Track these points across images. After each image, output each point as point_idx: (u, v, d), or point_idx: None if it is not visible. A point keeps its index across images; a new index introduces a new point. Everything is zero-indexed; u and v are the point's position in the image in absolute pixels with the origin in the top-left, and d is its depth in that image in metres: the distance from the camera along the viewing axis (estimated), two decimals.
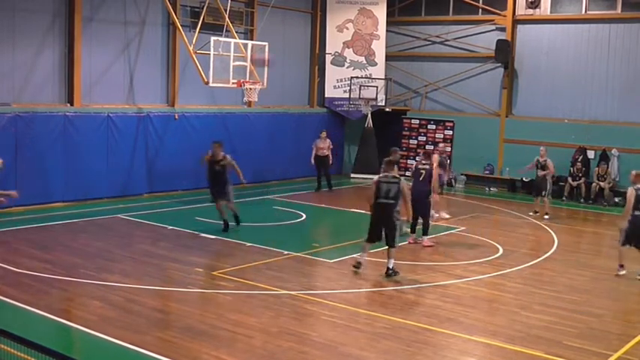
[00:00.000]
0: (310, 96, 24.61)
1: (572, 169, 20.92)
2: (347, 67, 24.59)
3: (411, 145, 24.55)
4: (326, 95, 24.65)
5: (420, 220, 14.14)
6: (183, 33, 18.27)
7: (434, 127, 24.32)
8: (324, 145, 20.86)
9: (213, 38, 17.46)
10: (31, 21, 16.54)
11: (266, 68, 18.59)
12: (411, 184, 13.84)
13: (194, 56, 17.73)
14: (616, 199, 20.07)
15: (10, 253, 12.20)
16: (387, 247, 11.67)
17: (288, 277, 11.53)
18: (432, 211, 15.96)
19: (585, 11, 21.50)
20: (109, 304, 9.74)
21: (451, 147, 23.81)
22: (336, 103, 24.60)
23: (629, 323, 9.95)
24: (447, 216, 17.04)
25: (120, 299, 9.95)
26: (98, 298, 9.95)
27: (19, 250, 12.55)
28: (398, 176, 11.86)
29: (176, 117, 19.45)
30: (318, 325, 9.35)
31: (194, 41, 17.90)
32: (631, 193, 12.28)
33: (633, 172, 12.61)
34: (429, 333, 9.10)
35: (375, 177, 11.79)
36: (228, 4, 19.11)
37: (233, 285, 10.93)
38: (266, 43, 18.99)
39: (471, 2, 23.45)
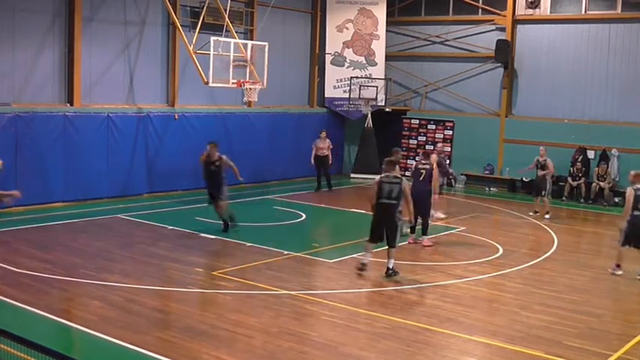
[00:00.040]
0: (310, 96, 24.61)
1: (572, 169, 20.92)
2: (347, 67, 24.59)
3: (411, 145, 24.55)
4: (326, 95, 24.65)
5: (420, 220, 14.14)
6: (183, 33, 18.27)
7: (434, 127, 24.32)
8: (323, 145, 20.86)
9: (213, 38, 17.47)
10: (31, 21, 16.54)
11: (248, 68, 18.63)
12: (410, 184, 13.82)
13: (194, 56, 17.73)
14: (616, 199, 20.07)
15: (10, 253, 12.20)
16: (387, 247, 11.66)
17: (288, 277, 11.53)
18: (432, 211, 15.98)
19: (585, 11, 21.50)
20: (109, 304, 9.74)
21: (451, 147, 23.82)
22: (336, 103, 24.60)
23: (629, 323, 9.95)
24: (443, 216, 17.02)
25: (120, 299, 9.95)
26: (98, 298, 9.95)
27: (19, 250, 12.55)
28: (400, 176, 11.86)
29: (176, 117, 19.45)
30: (318, 325, 9.35)
31: (194, 41, 17.90)
32: (630, 193, 12.28)
33: (632, 172, 12.61)
34: (429, 333, 9.10)
35: (377, 177, 11.77)
36: (228, 4, 19.11)
37: (233, 285, 10.93)
38: (266, 43, 19.00)
39: (471, 2, 23.45)
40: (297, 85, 24.04)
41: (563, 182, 20.94)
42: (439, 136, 24.08)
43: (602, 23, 21.17)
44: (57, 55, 17.11)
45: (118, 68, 18.39)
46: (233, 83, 17.85)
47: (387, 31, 24.75)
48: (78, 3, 17.07)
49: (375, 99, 23.89)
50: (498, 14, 22.89)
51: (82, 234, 14.14)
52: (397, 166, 12.41)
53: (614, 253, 12.75)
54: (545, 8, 22.16)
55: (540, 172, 17.95)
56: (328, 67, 24.53)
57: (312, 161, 20.93)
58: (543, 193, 17.92)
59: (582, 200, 20.62)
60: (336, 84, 24.59)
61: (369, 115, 24.02)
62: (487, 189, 22.69)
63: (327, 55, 24.47)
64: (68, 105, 17.27)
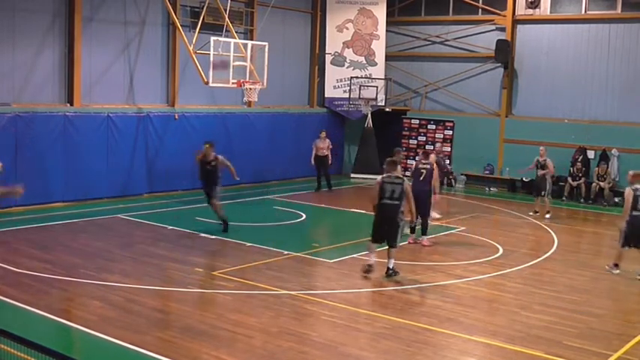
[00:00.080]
0: (310, 96, 24.61)
1: (572, 169, 20.92)
2: (347, 67, 24.59)
3: (411, 145, 24.54)
4: (326, 95, 24.65)
5: (419, 220, 14.12)
6: (183, 33, 18.28)
7: (434, 127, 24.32)
8: (323, 145, 20.86)
9: (213, 38, 17.47)
10: (31, 21, 16.54)
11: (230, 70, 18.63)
12: (410, 183, 13.82)
13: (194, 56, 17.74)
14: (616, 199, 20.07)
15: (10, 253, 12.20)
16: (387, 247, 11.66)
17: (288, 277, 11.53)
18: (432, 211, 15.99)
19: (585, 11, 21.50)
20: (109, 304, 9.74)
21: (451, 147, 23.82)
22: (336, 103, 24.60)
23: (629, 323, 9.95)
24: (438, 215, 16.98)
25: (120, 299, 9.95)
26: (98, 298, 9.95)
27: (19, 250, 12.55)
28: (401, 177, 11.85)
29: (176, 117, 19.45)
30: (318, 325, 9.35)
31: (194, 41, 17.91)
32: (629, 193, 12.29)
33: (630, 173, 12.62)
34: (429, 333, 9.10)
35: (379, 177, 11.75)
36: (228, 4, 19.11)
37: (233, 285, 10.93)
38: (266, 43, 19.00)
39: (471, 2, 23.45)
40: (297, 85, 24.04)
41: (563, 182, 20.94)
42: (439, 136, 24.09)
43: (602, 23, 21.17)
44: (57, 55, 17.12)
45: (118, 68, 18.39)
46: (233, 83, 17.85)
47: (387, 31, 24.75)
48: (78, 3, 17.07)
49: (375, 99, 23.89)
50: (498, 14, 22.89)
51: (82, 234, 14.14)
52: (399, 166, 12.39)
53: (614, 253, 12.75)
54: (545, 8, 22.16)
55: (540, 172, 17.95)
56: (328, 67, 24.53)
57: (313, 162, 20.93)
58: (543, 193, 17.93)
59: (582, 200, 20.62)
60: (336, 84, 24.59)
61: (369, 115, 24.02)
62: (487, 189, 22.69)
63: (327, 55, 24.47)
64: (68, 105, 17.27)
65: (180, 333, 8.78)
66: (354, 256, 12.97)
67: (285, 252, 13.05)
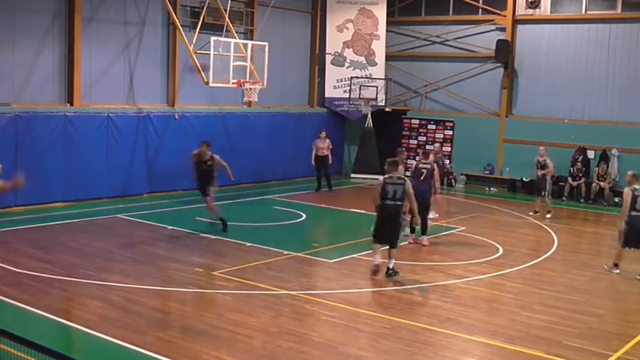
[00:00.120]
0: (310, 96, 24.61)
1: (572, 169, 20.92)
2: (347, 67, 24.59)
3: (411, 145, 24.53)
4: (326, 95, 24.65)
5: (419, 220, 14.12)
6: (183, 33, 18.28)
7: (434, 127, 24.32)
8: (323, 145, 20.85)
9: (213, 38, 17.48)
10: (31, 21, 16.54)
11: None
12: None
13: (194, 56, 17.74)
14: (616, 199, 20.05)
15: (10, 253, 12.20)
16: (388, 247, 11.65)
17: (288, 277, 11.53)
18: (433, 212, 16.00)
19: (585, 11, 21.50)
20: (109, 304, 9.74)
21: (451, 147, 23.82)
22: (336, 103, 24.60)
23: (629, 323, 9.95)
24: (434, 215, 16.93)
25: (120, 299, 9.95)
26: (98, 298, 9.95)
27: (19, 250, 12.55)
28: (403, 177, 11.87)
29: (176, 117, 19.45)
30: (318, 325, 9.35)
31: (194, 41, 17.91)
32: (627, 193, 12.31)
33: (629, 173, 12.64)
34: (429, 333, 9.10)
35: (380, 178, 11.74)
36: (228, 4, 19.11)
37: (233, 285, 10.92)
38: (266, 43, 19.01)
39: (471, 2, 23.45)
40: (297, 85, 24.04)
41: (564, 182, 20.95)
42: (439, 136, 24.09)
43: (602, 23, 21.17)
44: (57, 55, 17.12)
45: (118, 68, 18.39)
46: (233, 83, 17.85)
47: (387, 31, 24.75)
48: (78, 3, 17.07)
49: (375, 99, 23.89)
50: (498, 14, 22.89)
51: (82, 234, 14.14)
52: (400, 167, 12.41)
53: (614, 253, 12.76)
54: (545, 8, 22.16)
55: (540, 172, 17.96)
56: (328, 67, 24.53)
57: (313, 162, 20.92)
58: (543, 193, 17.93)
59: (582, 200, 20.62)
60: (336, 84, 24.59)
61: (369, 115, 24.02)
62: (487, 189, 22.69)
63: (327, 55, 24.47)
64: (68, 105, 17.27)
65: (180, 333, 8.78)
66: (354, 256, 12.97)
67: (285, 252, 13.05)
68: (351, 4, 24.45)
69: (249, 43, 18.98)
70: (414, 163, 14.93)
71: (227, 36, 18.19)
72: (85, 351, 8.40)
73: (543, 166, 17.83)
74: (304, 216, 17.10)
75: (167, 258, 12.42)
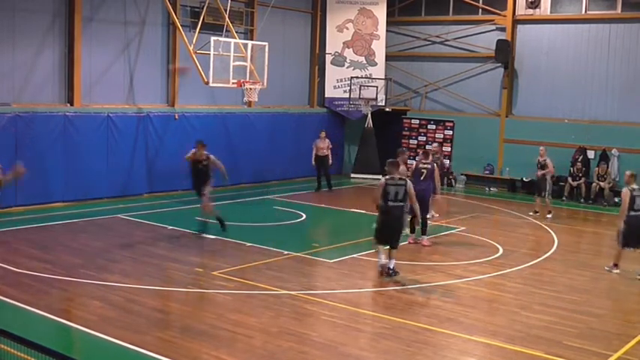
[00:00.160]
0: (310, 96, 24.61)
1: (572, 169, 20.92)
2: (347, 67, 24.59)
3: (411, 145, 24.52)
4: (326, 95, 24.65)
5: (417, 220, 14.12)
6: (183, 33, 18.29)
7: (434, 127, 24.32)
8: (323, 145, 20.85)
9: (213, 38, 17.48)
10: (31, 21, 16.54)
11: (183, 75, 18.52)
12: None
13: (194, 56, 17.74)
14: (616, 199, 20.02)
15: (10, 253, 12.20)
16: (388, 247, 11.64)
17: (288, 277, 11.53)
18: (432, 212, 16.00)
19: (585, 11, 21.51)
20: (109, 304, 9.74)
21: (451, 147, 23.82)
22: (336, 103, 24.60)
23: (629, 323, 9.95)
24: (435, 215, 16.92)
25: (120, 299, 9.95)
26: (98, 298, 9.95)
27: (19, 250, 12.55)
28: (404, 178, 11.88)
29: (176, 117, 19.45)
30: (318, 325, 9.35)
31: (194, 41, 17.91)
32: (626, 193, 12.33)
33: (627, 173, 12.67)
34: (429, 333, 9.10)
35: (382, 179, 11.71)
36: (228, 4, 19.12)
37: (233, 285, 10.92)
38: (266, 43, 19.01)
39: (471, 2, 23.45)
40: (297, 85, 24.04)
41: (563, 182, 20.95)
42: (439, 136, 24.09)
43: (602, 23, 21.17)
44: (57, 55, 17.12)
45: (118, 68, 18.39)
46: (233, 83, 17.85)
47: (387, 31, 24.75)
48: (78, 3, 17.07)
49: (375, 99, 23.90)
50: (498, 14, 22.89)
51: (82, 234, 14.14)
52: (402, 167, 12.41)
53: (614, 254, 12.76)
54: (545, 8, 22.16)
55: (540, 172, 17.97)
56: (328, 67, 24.54)
57: (314, 162, 20.92)
58: (544, 193, 17.95)
59: (582, 200, 20.63)
60: (336, 84, 24.59)
61: (369, 115, 24.03)
62: (487, 189, 22.69)
63: (327, 55, 24.47)
64: (68, 105, 17.27)
65: (180, 333, 8.78)
66: (354, 256, 12.98)
67: (285, 252, 13.05)
68: (351, 4, 24.45)
69: (249, 43, 18.98)
70: (414, 163, 14.93)
71: (227, 36, 18.19)
72: (85, 351, 8.40)
73: (543, 166, 17.85)
74: (304, 216, 17.10)
75: (167, 258, 12.42)
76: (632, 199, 12.20)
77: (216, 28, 19.02)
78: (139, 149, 18.60)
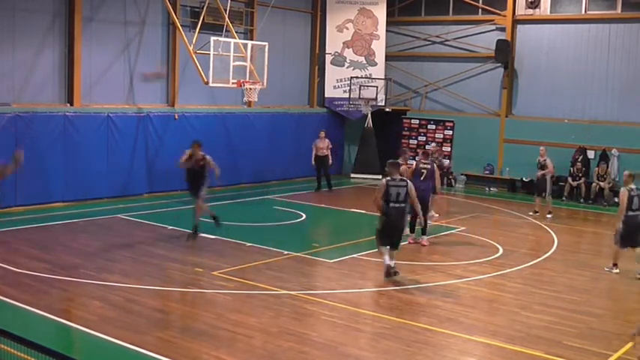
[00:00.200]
0: (310, 96, 24.61)
1: (572, 169, 20.93)
2: (347, 67, 24.59)
3: (411, 145, 24.52)
4: (326, 95, 24.65)
5: (419, 220, 14.11)
6: (183, 33, 18.29)
7: (434, 127, 24.32)
8: (323, 145, 20.86)
9: (213, 38, 17.48)
10: (31, 21, 16.54)
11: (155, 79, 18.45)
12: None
13: (194, 56, 17.74)
14: (616, 199, 19.91)
15: (10, 253, 12.20)
16: (389, 248, 11.64)
17: (288, 277, 11.53)
18: (432, 212, 15.99)
19: (585, 11, 21.51)
20: (109, 304, 9.74)
21: (451, 147, 23.82)
22: (336, 103, 24.60)
23: (629, 323, 9.93)
24: (435, 215, 16.91)
25: (120, 299, 9.95)
26: (98, 298, 9.95)
27: (19, 250, 12.55)
28: (405, 179, 11.88)
29: (176, 117, 19.45)
30: (318, 325, 9.35)
31: (194, 41, 17.91)
32: (624, 193, 12.35)
33: (626, 173, 12.72)
34: (429, 333, 9.10)
35: (383, 180, 11.67)
36: (228, 4, 19.12)
37: (233, 285, 10.92)
38: (266, 43, 19.01)
39: (471, 2, 23.45)
40: (297, 85, 24.04)
41: (563, 182, 20.95)
42: (439, 136, 24.10)
43: (602, 23, 21.17)
44: (57, 55, 17.12)
45: (118, 68, 18.39)
46: (233, 83, 17.85)
47: (387, 31, 24.75)
48: (78, 3, 17.07)
49: (375, 99, 23.90)
50: (498, 14, 22.89)
51: (82, 234, 14.14)
52: (403, 167, 12.41)
53: (612, 254, 12.76)
54: (545, 8, 22.16)
55: (540, 172, 17.98)
56: (328, 67, 24.53)
57: (313, 162, 20.92)
58: (544, 194, 17.96)
59: (582, 200, 20.63)
60: (336, 84, 24.59)
61: (369, 115, 24.03)
62: (487, 189, 22.69)
63: (327, 55, 24.47)
64: (68, 105, 17.27)
65: (180, 333, 8.78)
66: (354, 256, 12.98)
67: (285, 252, 13.05)
68: (351, 4, 24.45)
69: (249, 43, 18.97)
70: (414, 163, 14.93)
71: (227, 36, 18.19)
72: (85, 351, 8.40)
73: (543, 166, 17.86)
74: (304, 216, 17.10)
75: (167, 258, 12.42)
76: (630, 199, 12.22)
77: (216, 28, 19.02)
78: (139, 149, 18.60)
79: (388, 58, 24.89)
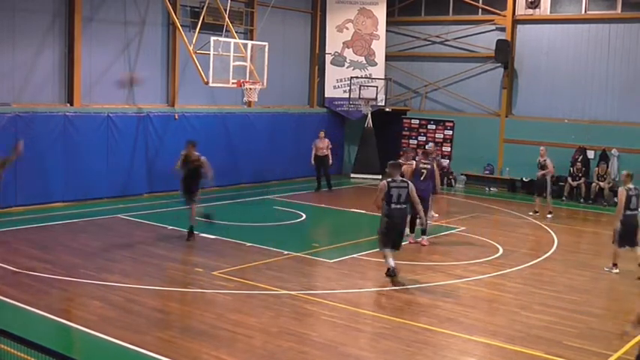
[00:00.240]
0: (310, 96, 24.61)
1: (572, 169, 20.93)
2: (347, 67, 24.59)
3: (411, 145, 24.49)
4: (326, 95, 24.65)
5: (418, 220, 14.11)
6: (183, 33, 18.29)
7: (434, 127, 24.32)
8: (323, 145, 20.86)
9: (213, 38, 17.48)
10: (31, 21, 16.54)
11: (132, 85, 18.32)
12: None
13: (194, 56, 17.74)
14: (615, 199, 19.94)
15: (10, 253, 12.20)
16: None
17: (288, 277, 11.53)
18: (432, 212, 16.00)
19: (585, 11, 21.51)
20: (109, 304, 9.74)
21: (451, 147, 23.82)
22: (336, 103, 24.60)
23: (629, 323, 9.93)
24: (435, 215, 16.91)
25: (120, 299, 9.95)
26: (98, 298, 9.95)
27: (19, 250, 12.55)
28: (406, 180, 11.88)
29: (176, 117, 19.45)
30: (318, 325, 9.35)
31: (194, 41, 17.92)
32: (622, 193, 12.39)
33: (624, 173, 12.79)
34: (429, 333, 9.10)
35: (383, 181, 11.64)
36: (228, 4, 19.12)
37: (233, 285, 10.93)
38: (266, 43, 19.01)
39: (471, 2, 23.45)
40: (297, 85, 24.04)
41: (563, 182, 20.95)
42: (439, 136, 24.09)
43: (602, 23, 21.17)
44: (57, 55, 17.11)
45: (118, 68, 18.38)
46: (233, 83, 17.85)
47: (387, 31, 24.75)
48: (78, 3, 17.06)
49: (375, 99, 23.90)
50: (498, 14, 22.89)
51: (82, 234, 14.14)
52: (404, 167, 12.41)
53: (611, 254, 12.76)
54: (545, 8, 22.16)
55: (540, 172, 17.99)
56: (328, 67, 24.53)
57: (313, 162, 20.92)
58: (544, 194, 17.97)
59: (582, 200, 20.63)
60: (336, 84, 24.59)
61: (369, 115, 24.03)
62: (487, 189, 22.69)
63: (327, 55, 24.47)
64: (68, 105, 17.27)
65: (180, 333, 8.78)
66: (354, 256, 12.98)
67: (285, 252, 13.05)
68: (351, 4, 24.45)
69: (249, 43, 18.98)
70: (414, 163, 14.95)
71: (227, 36, 18.19)
72: (85, 351, 8.40)
73: (543, 167, 17.86)
74: (304, 216, 17.10)
75: (167, 258, 12.42)
76: (628, 198, 12.26)
77: (216, 28, 19.02)
78: (139, 149, 18.60)
79: (388, 58, 24.89)
